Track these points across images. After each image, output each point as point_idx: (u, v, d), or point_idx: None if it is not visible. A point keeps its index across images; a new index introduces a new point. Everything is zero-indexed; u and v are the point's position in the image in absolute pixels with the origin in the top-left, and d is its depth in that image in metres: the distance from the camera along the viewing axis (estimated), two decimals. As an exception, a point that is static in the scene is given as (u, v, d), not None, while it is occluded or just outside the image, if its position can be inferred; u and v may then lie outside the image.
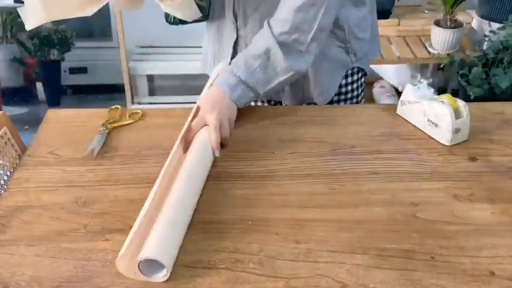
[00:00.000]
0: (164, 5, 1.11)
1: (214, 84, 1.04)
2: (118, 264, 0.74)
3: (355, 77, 1.24)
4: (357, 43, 1.17)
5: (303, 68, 1.05)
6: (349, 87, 1.24)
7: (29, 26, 1.02)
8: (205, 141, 0.97)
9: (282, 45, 1.01)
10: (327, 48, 1.15)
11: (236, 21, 1.15)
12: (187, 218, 0.83)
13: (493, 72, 2.04)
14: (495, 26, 2.17)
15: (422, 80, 2.47)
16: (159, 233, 0.76)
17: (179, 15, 1.16)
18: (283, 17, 1.01)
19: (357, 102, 1.28)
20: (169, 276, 0.74)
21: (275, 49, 1.01)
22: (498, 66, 2.06)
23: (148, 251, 0.73)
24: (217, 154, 0.96)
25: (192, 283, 0.73)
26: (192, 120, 1.00)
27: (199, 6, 1.13)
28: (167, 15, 1.21)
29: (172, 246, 0.76)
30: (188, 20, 1.18)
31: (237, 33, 1.17)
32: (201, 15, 1.16)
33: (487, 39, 2.18)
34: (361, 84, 1.27)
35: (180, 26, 1.23)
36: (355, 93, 1.26)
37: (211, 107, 1.00)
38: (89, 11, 1.04)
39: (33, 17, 0.99)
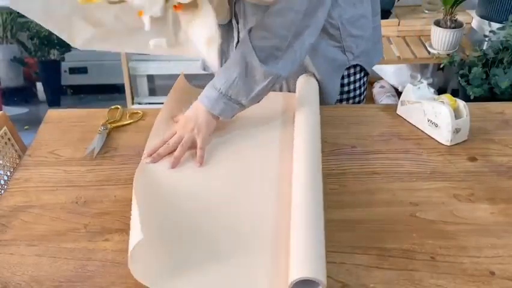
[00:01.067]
0: None
1: (198, 98, 1.03)
2: None
3: (357, 76, 1.24)
4: (352, 40, 1.16)
5: (282, 74, 1.01)
6: (351, 86, 1.24)
7: None
8: (312, 148, 0.94)
9: (259, 50, 0.98)
10: (324, 49, 1.15)
11: (237, 23, 1.15)
12: None
13: (493, 72, 2.04)
14: (495, 26, 2.17)
15: (422, 80, 2.46)
16: (317, 252, 0.72)
17: None
18: (262, 22, 1.00)
19: (359, 102, 1.28)
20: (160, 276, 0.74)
21: (251, 56, 0.98)
22: (498, 66, 2.05)
23: (316, 272, 0.68)
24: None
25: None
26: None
27: None
28: None
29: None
30: (221, 23, 1.16)
31: (238, 36, 1.17)
32: (230, 17, 1.16)
33: (487, 39, 2.18)
34: (363, 83, 1.27)
35: None
36: (357, 92, 1.26)
37: (192, 125, 0.99)
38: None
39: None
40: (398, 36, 2.38)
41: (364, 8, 1.17)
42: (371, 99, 2.61)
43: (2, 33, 2.87)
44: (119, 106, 1.16)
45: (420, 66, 2.50)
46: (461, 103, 1.05)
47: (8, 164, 1.10)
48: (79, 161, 1.00)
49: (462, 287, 0.73)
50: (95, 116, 1.14)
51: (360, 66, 1.22)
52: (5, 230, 0.84)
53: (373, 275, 0.75)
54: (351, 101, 1.26)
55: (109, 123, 1.11)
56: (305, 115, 1.03)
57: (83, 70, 3.00)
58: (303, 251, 0.71)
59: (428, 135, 1.07)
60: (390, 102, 2.42)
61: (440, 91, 2.38)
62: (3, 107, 2.79)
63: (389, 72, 2.56)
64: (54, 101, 2.98)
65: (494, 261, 0.77)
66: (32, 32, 2.84)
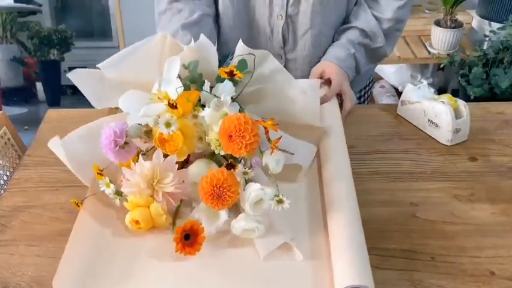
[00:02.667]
0: None
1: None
2: None
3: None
4: None
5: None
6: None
7: None
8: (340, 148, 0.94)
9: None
10: None
11: (284, 46, 1.15)
12: None
13: (493, 72, 2.04)
14: (495, 26, 2.17)
15: (422, 80, 2.47)
16: (364, 258, 0.72)
17: None
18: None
19: (365, 101, 1.30)
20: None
21: None
22: (498, 66, 2.05)
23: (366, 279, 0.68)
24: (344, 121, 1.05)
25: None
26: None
27: None
28: None
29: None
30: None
31: (285, 58, 1.17)
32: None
33: (487, 39, 2.18)
34: (372, 80, 1.35)
35: None
36: (370, 85, 1.35)
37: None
38: None
39: None
40: (398, 36, 2.38)
41: None
42: (371, 99, 2.61)
43: (2, 33, 2.87)
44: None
45: (420, 66, 2.50)
46: (461, 103, 1.05)
47: (8, 164, 1.10)
48: (78, 161, 1.00)
49: (462, 287, 0.73)
50: (95, 116, 1.13)
51: None
52: (5, 230, 0.84)
53: (373, 275, 0.74)
54: (362, 91, 1.31)
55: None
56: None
57: (83, 70, 3.00)
58: (349, 256, 0.71)
59: (428, 135, 1.07)
60: (390, 102, 2.42)
61: (440, 91, 2.39)
62: (3, 107, 2.80)
63: (389, 72, 2.56)
64: (54, 101, 2.98)
65: (494, 261, 0.77)
66: (32, 32, 2.84)
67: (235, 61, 0.88)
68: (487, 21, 2.24)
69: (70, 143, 0.87)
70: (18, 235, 0.83)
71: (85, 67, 0.96)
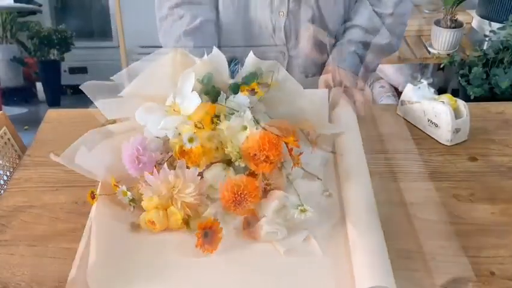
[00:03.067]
0: None
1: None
2: None
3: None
4: None
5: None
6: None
7: None
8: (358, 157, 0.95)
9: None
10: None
11: (287, 43, 1.15)
12: None
13: (493, 72, 2.04)
14: (495, 26, 2.17)
15: (422, 80, 2.46)
16: (385, 258, 0.73)
17: None
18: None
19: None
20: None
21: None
22: (498, 66, 2.05)
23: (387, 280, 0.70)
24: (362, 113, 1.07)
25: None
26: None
27: None
28: None
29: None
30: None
31: (288, 55, 1.16)
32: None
33: (487, 39, 2.18)
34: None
35: None
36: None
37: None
38: None
39: None
40: (398, 36, 2.38)
41: None
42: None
43: (2, 33, 2.87)
44: (119, 106, 1.16)
45: (420, 66, 2.50)
46: (461, 103, 1.05)
47: (8, 164, 1.10)
48: (78, 161, 1.00)
49: (462, 287, 0.73)
50: (95, 116, 1.14)
51: None
52: (5, 230, 0.84)
53: (373, 275, 0.75)
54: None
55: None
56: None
57: (83, 70, 3.00)
58: (369, 256, 0.72)
59: (428, 135, 1.07)
60: (390, 102, 2.41)
61: (440, 91, 2.37)
62: (3, 107, 2.79)
63: (389, 72, 2.56)
64: (54, 101, 2.98)
65: (495, 261, 0.77)
66: (32, 32, 2.84)
67: (244, 72, 0.88)
68: (487, 21, 2.24)
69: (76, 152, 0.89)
70: (18, 235, 0.83)
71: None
